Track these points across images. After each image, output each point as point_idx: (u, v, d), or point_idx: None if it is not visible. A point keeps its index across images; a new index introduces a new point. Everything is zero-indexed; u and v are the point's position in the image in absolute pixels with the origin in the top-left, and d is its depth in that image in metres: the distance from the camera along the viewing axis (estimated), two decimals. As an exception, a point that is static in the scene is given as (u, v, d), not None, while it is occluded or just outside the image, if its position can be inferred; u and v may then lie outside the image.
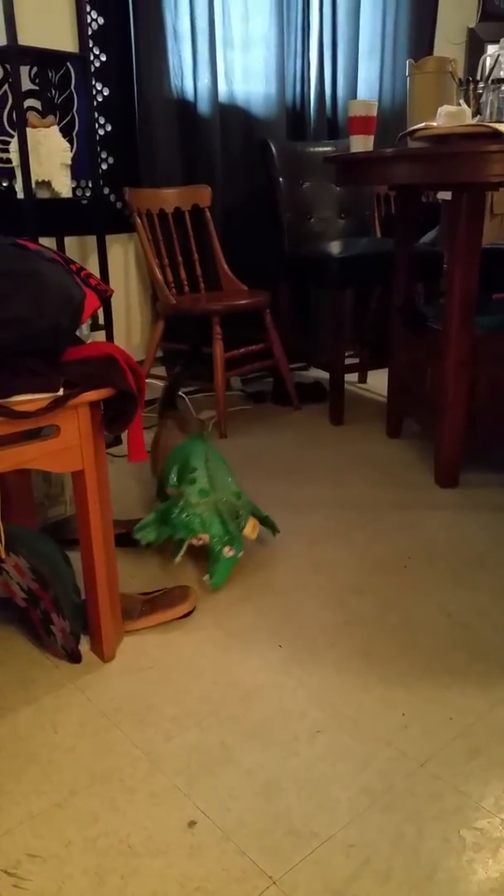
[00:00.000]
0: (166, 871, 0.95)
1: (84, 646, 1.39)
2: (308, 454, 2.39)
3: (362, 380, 3.19)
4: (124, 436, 2.55)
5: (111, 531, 1.34)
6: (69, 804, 1.05)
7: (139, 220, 2.61)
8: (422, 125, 1.84)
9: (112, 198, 2.71)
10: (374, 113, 2.16)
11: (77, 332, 1.37)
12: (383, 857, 0.97)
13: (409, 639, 1.43)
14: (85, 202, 2.51)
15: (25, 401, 1.10)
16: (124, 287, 2.85)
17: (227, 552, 1.56)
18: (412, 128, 1.88)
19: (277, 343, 2.71)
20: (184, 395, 2.84)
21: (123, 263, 2.82)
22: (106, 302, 2.41)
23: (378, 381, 3.18)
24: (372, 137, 2.18)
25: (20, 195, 2.17)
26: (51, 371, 1.13)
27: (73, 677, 1.32)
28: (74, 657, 1.34)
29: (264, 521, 1.71)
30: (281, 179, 2.81)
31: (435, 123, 1.82)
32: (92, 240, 2.56)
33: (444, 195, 2.78)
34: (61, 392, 1.13)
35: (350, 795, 1.06)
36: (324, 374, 3.21)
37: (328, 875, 0.95)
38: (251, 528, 1.61)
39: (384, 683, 1.30)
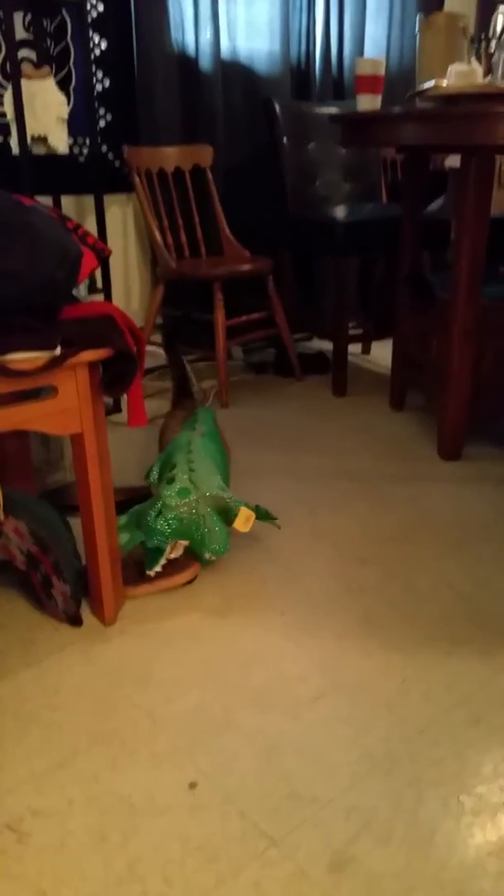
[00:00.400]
0: (167, 830, 0.96)
1: (85, 610, 1.39)
2: (310, 425, 2.37)
3: (366, 351, 3.16)
4: (124, 404, 2.53)
5: (111, 495, 1.32)
6: (71, 764, 1.05)
7: (138, 180, 2.56)
8: (431, 84, 1.78)
9: (110, 156, 2.65)
10: (382, 72, 2.09)
11: (74, 293, 1.34)
12: (383, 820, 0.97)
13: (411, 608, 1.42)
14: (82, 160, 2.46)
15: (22, 359, 1.07)
16: (123, 250, 2.80)
17: (209, 557, 1.45)
18: (421, 87, 1.83)
19: (280, 311, 2.68)
20: (185, 365, 2.81)
21: (122, 225, 2.77)
22: (104, 263, 2.36)
23: (382, 353, 3.15)
24: (379, 97, 2.12)
25: (15, 151, 2.11)
26: (48, 329, 1.11)
27: (75, 640, 1.31)
28: (75, 621, 1.34)
29: (258, 513, 1.50)
30: (285, 140, 2.75)
31: (444, 83, 1.76)
32: (89, 200, 2.51)
33: (452, 162, 2.72)
34: (59, 351, 1.11)
35: (350, 760, 1.06)
36: (327, 345, 3.18)
37: (328, 837, 0.95)
38: (243, 521, 1.44)
39: (385, 650, 1.30)
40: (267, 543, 1.65)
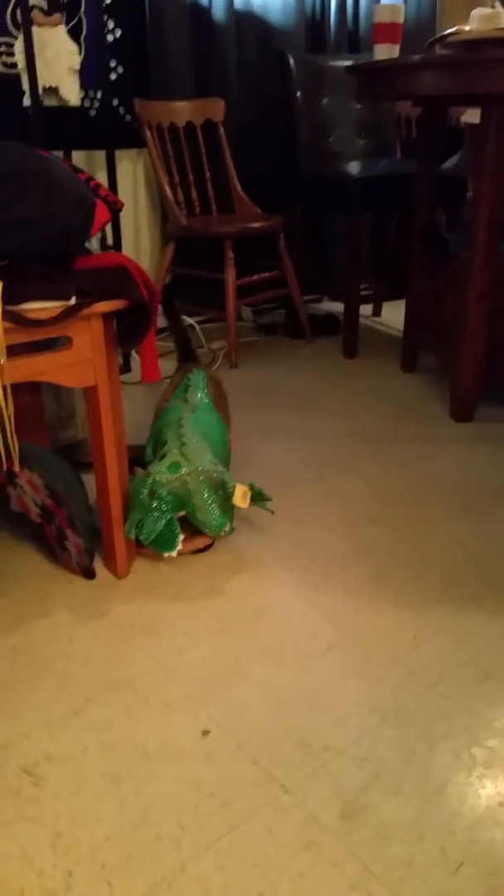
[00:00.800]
0: (180, 775, 0.97)
1: (98, 563, 1.39)
2: (320, 387, 2.36)
3: (376, 313, 3.12)
4: (133, 363, 2.52)
5: (124, 449, 1.32)
6: (85, 711, 1.07)
7: (149, 134, 2.50)
8: (453, 29, 1.72)
9: (121, 110, 2.59)
10: (401, 19, 2.03)
11: (87, 247, 1.32)
12: (394, 770, 0.98)
13: (421, 567, 1.42)
14: (93, 113, 2.40)
15: (37, 308, 1.06)
16: (133, 207, 2.76)
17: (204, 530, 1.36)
18: (442, 33, 1.77)
19: (291, 270, 2.64)
20: (194, 325, 2.79)
21: (132, 181, 2.72)
22: (114, 219, 2.33)
23: (392, 315, 3.11)
24: (398, 46, 2.05)
25: (26, 103, 2.07)
26: (63, 278, 1.09)
27: (88, 592, 1.32)
28: (89, 573, 1.34)
29: (253, 491, 1.39)
30: (298, 94, 2.68)
31: (467, 28, 1.71)
32: (100, 156, 2.46)
33: (470, 118, 2.65)
34: (74, 301, 1.09)
35: (361, 712, 1.07)
36: (337, 307, 3.14)
37: (339, 786, 0.96)
38: (241, 496, 1.35)
39: (395, 607, 1.30)
40: (277, 503, 1.65)
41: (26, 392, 1.58)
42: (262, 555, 1.46)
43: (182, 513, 1.35)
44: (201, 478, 1.34)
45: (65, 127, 2.37)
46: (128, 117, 2.61)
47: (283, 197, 2.80)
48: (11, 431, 1.12)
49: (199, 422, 1.49)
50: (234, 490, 1.34)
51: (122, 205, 1.56)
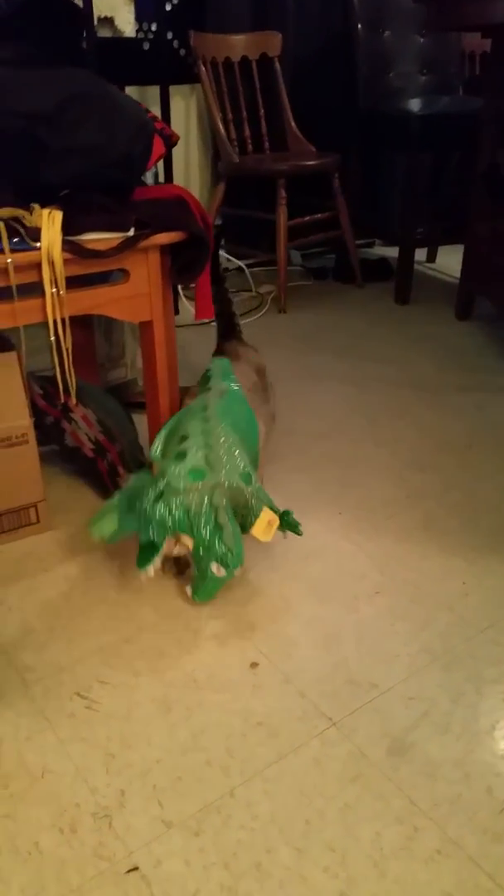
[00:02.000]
0: (229, 705, 0.99)
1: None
2: (371, 333, 2.31)
3: (431, 258, 3.03)
4: (181, 306, 2.50)
5: (177, 385, 1.32)
6: (137, 640, 1.09)
7: (204, 69, 2.43)
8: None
9: (175, 44, 2.51)
10: None
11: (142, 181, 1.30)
12: (442, 711, 0.98)
13: (471, 516, 1.40)
14: (147, 46, 2.33)
15: (96, 239, 1.05)
16: (184, 145, 2.70)
17: (217, 570, 1.07)
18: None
19: (344, 211, 2.56)
20: (243, 267, 2.74)
21: (185, 118, 2.66)
22: (166, 157, 2.28)
23: (448, 261, 3.02)
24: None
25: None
26: (122, 209, 1.07)
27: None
28: (138, 509, 1.35)
29: (283, 519, 1.14)
30: (359, 27, 2.56)
31: None
32: (154, 92, 2.40)
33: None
34: (132, 232, 1.07)
35: (410, 652, 1.08)
36: (389, 252, 3.05)
37: (387, 723, 0.97)
38: (263, 528, 1.09)
39: (444, 554, 1.29)
40: (325, 447, 1.64)
41: (79, 329, 1.58)
42: (310, 496, 1.45)
43: (185, 537, 1.07)
44: (227, 495, 1.07)
45: (118, 60, 2.31)
46: (182, 51, 2.53)
47: (338, 135, 2.70)
48: (69, 365, 1.12)
49: (230, 411, 1.22)
50: (256, 518, 1.08)
51: (178, 138, 1.52)
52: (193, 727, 0.96)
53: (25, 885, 0.78)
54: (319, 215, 2.56)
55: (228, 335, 1.52)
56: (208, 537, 1.05)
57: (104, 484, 1.40)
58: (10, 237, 0.97)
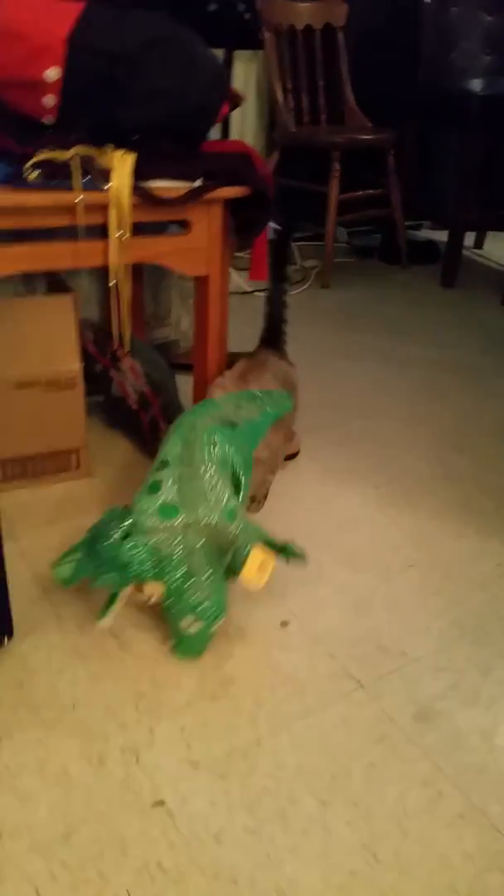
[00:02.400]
0: (259, 659, 1.00)
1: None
2: (414, 314, 2.29)
3: (479, 244, 2.99)
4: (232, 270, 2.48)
5: (225, 342, 1.31)
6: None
7: (268, 35, 2.39)
8: None
9: (241, 7, 2.48)
10: None
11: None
12: (471, 683, 0.99)
13: (508, 499, 1.40)
14: (213, 7, 2.30)
15: (163, 188, 1.04)
16: (241, 110, 2.67)
17: (186, 626, 0.95)
18: None
19: (396, 189, 2.53)
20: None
21: (243, 85, 2.63)
22: (224, 122, 2.26)
23: (496, 247, 2.97)
24: None
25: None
26: (192, 158, 1.07)
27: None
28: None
29: (286, 550, 1.02)
30: (427, 0, 2.51)
31: None
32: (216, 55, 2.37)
33: None
34: (199, 183, 1.07)
35: (441, 626, 1.08)
36: (436, 235, 3.01)
37: (415, 690, 0.97)
38: (255, 570, 0.96)
39: (480, 535, 1.29)
40: (364, 424, 1.63)
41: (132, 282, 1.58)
42: (347, 470, 1.45)
43: (152, 584, 0.95)
44: (205, 535, 0.95)
45: (184, 19, 2.28)
46: (247, 15, 2.50)
47: (396, 111, 2.66)
48: (125, 314, 1.13)
49: (235, 436, 1.06)
50: (245, 559, 0.95)
51: (244, 98, 1.51)
52: (223, 676, 0.97)
53: (53, 806, 0.80)
54: (372, 191, 2.53)
55: (269, 342, 1.35)
56: (178, 585, 0.93)
57: (144, 437, 1.41)
58: (82, 175, 0.97)
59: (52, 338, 1.15)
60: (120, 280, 1.08)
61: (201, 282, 1.21)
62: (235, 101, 1.51)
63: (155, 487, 0.96)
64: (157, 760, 0.86)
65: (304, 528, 1.26)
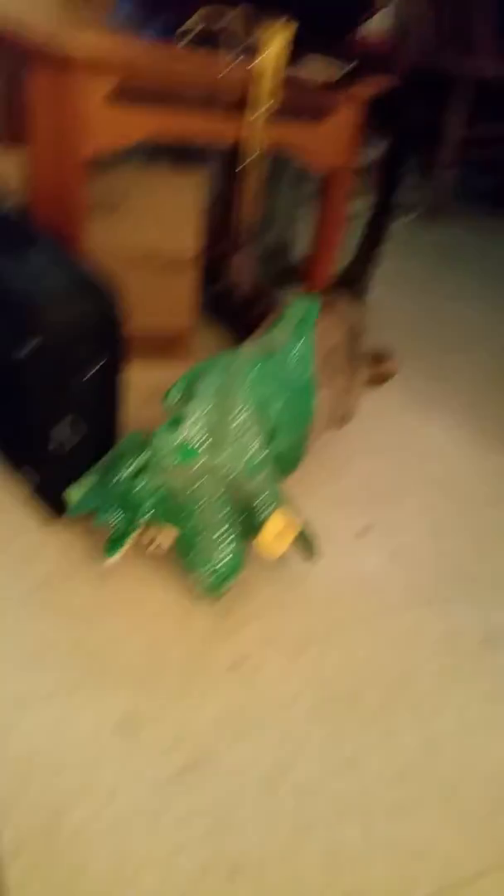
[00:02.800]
0: (335, 559, 1.00)
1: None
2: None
3: None
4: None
5: (337, 250, 1.28)
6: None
7: None
8: None
9: None
10: None
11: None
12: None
13: None
14: None
15: (316, 70, 1.00)
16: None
17: (196, 581, 0.88)
18: None
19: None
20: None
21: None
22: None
23: None
24: None
25: None
26: (344, 44, 1.02)
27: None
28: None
29: (301, 537, 0.91)
30: None
31: None
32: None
33: None
34: (349, 68, 1.02)
35: (522, 562, 1.07)
36: None
37: (485, 616, 0.97)
38: (273, 537, 0.85)
39: None
40: (459, 360, 1.59)
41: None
42: (441, 402, 1.41)
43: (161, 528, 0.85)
44: (226, 487, 0.85)
45: None
46: None
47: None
48: (251, 202, 1.10)
49: (271, 377, 0.94)
50: (264, 522, 0.83)
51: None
52: (299, 569, 0.98)
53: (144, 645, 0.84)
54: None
55: (344, 283, 1.21)
56: (189, 538, 0.86)
57: (247, 333, 1.40)
58: (232, 46, 0.94)
59: (175, 215, 1.13)
60: (251, 164, 1.05)
61: (331, 177, 1.17)
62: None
63: (177, 421, 0.86)
64: (233, 634, 0.88)
65: (388, 454, 1.25)
